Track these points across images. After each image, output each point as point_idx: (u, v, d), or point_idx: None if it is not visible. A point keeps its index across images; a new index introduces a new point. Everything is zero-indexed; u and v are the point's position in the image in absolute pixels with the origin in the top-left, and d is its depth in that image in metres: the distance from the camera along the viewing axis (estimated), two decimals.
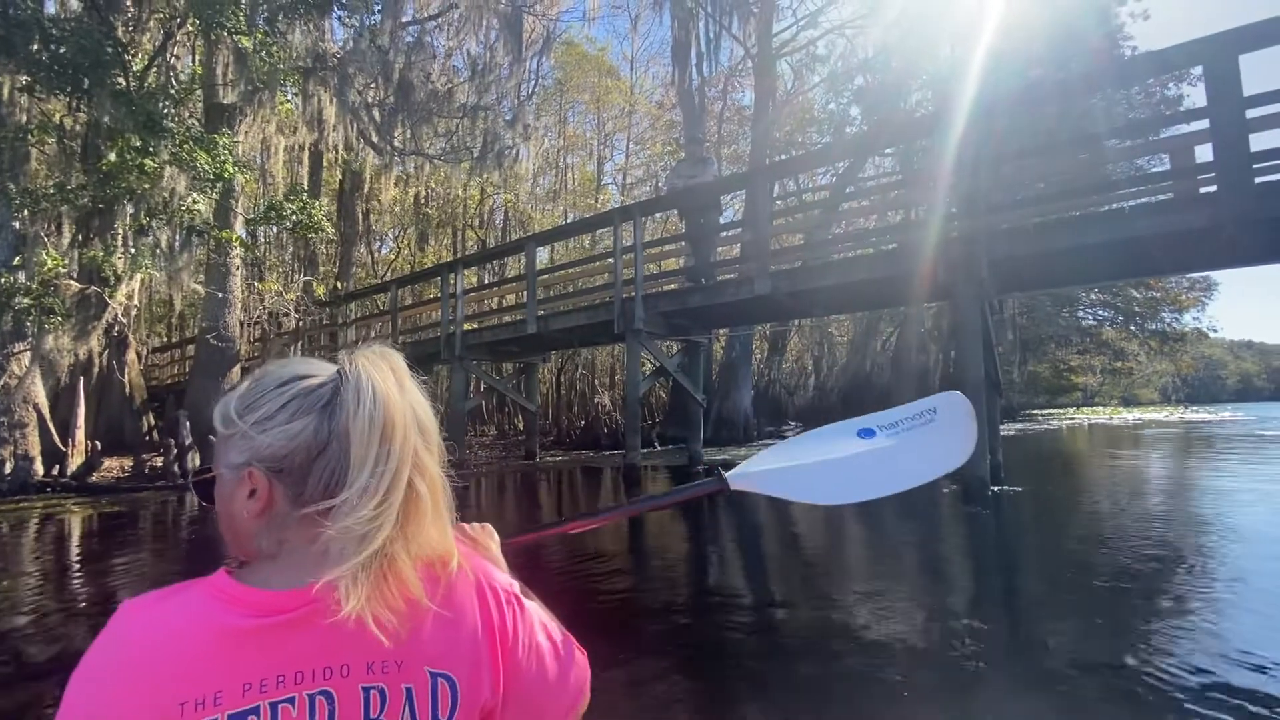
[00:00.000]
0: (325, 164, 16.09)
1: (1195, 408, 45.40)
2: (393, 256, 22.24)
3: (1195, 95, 16.95)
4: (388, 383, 0.56)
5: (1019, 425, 22.40)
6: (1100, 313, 22.64)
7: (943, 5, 15.12)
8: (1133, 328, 22.41)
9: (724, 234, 9.05)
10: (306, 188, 13.71)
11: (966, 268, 5.87)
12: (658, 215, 16.93)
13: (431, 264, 18.19)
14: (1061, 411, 36.56)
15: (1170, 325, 21.85)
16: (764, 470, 1.14)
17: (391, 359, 0.59)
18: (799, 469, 1.14)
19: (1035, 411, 35.47)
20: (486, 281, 16.67)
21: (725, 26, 15.67)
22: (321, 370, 0.59)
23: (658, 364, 9.54)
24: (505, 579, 0.63)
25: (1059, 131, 7.87)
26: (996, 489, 5.71)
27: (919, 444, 1.16)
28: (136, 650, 0.49)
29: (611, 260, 8.58)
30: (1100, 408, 42.88)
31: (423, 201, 20.04)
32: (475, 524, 0.78)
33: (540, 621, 0.62)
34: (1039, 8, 14.32)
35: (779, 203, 13.45)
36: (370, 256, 20.91)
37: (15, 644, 2.88)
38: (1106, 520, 5.15)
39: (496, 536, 0.77)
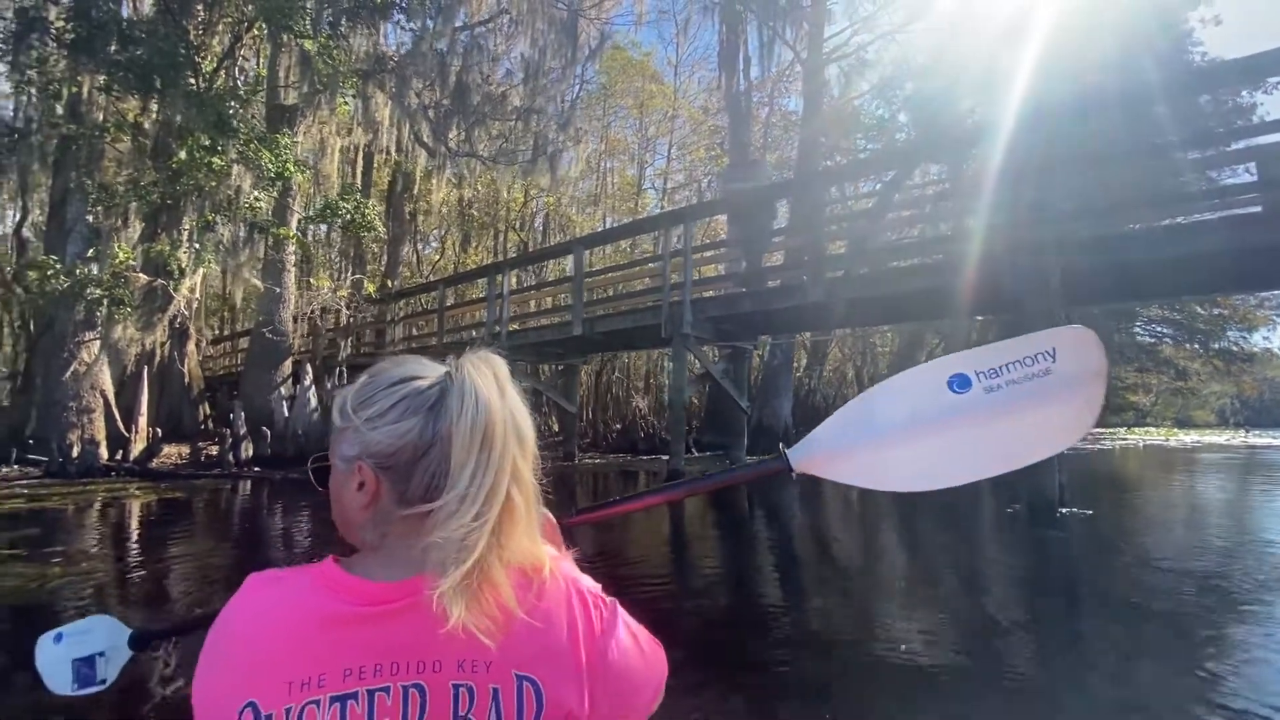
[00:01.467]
0: (375, 165, 16.47)
1: (1257, 431, 42.84)
2: (436, 257, 22.65)
3: (1270, 104, 16.07)
4: (490, 389, 0.57)
5: None
6: (1160, 329, 21.48)
7: (993, 9, 14.71)
8: (1196, 345, 21.21)
9: (775, 239, 8.93)
10: (360, 187, 14.05)
11: (1036, 279, 5.65)
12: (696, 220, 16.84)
13: (474, 265, 18.46)
14: (1112, 431, 34.99)
15: (1237, 344, 20.65)
16: (834, 451, 0.95)
17: (495, 364, 0.60)
18: (875, 445, 0.94)
19: None
20: (527, 284, 16.85)
21: (777, 31, 15.52)
22: (432, 372, 0.61)
23: (700, 369, 9.46)
24: (590, 582, 0.64)
25: (1129, 140, 7.52)
26: (1064, 511, 5.45)
27: (1029, 406, 0.91)
28: (251, 627, 0.54)
29: (659, 264, 8.54)
30: (1153, 428, 40.90)
31: (467, 204, 20.34)
32: None
33: (625, 621, 0.63)
34: (1098, 13, 13.80)
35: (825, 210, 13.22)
36: (415, 256, 21.32)
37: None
38: (1185, 547, 4.87)
39: (558, 526, 0.78)
